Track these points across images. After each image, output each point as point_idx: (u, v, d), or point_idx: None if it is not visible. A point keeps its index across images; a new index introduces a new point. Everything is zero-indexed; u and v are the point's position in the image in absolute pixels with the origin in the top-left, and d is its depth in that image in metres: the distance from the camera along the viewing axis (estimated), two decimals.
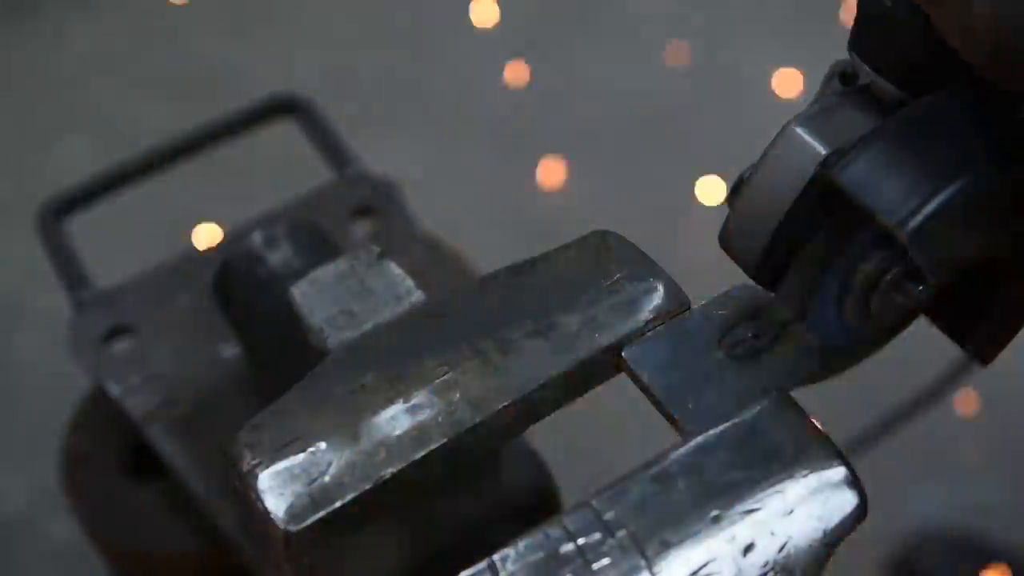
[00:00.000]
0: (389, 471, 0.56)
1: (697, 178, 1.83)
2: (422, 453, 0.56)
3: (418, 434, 0.57)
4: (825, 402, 0.63)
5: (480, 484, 0.75)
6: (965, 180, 0.54)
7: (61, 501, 0.97)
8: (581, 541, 0.52)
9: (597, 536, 0.53)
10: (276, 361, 0.84)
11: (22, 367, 1.73)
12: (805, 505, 0.54)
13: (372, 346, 0.61)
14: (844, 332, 0.60)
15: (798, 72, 1.93)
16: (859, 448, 1.28)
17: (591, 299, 0.61)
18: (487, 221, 1.82)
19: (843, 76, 0.61)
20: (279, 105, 1.09)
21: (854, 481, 0.55)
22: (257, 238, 0.88)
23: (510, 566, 0.52)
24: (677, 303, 0.61)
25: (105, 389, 0.94)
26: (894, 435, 1.34)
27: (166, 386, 0.94)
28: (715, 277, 0.63)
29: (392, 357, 0.60)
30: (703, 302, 0.61)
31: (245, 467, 0.56)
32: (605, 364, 0.60)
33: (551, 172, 1.92)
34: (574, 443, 0.66)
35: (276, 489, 0.55)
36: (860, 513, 0.54)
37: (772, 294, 0.61)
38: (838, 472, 0.55)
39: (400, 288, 0.66)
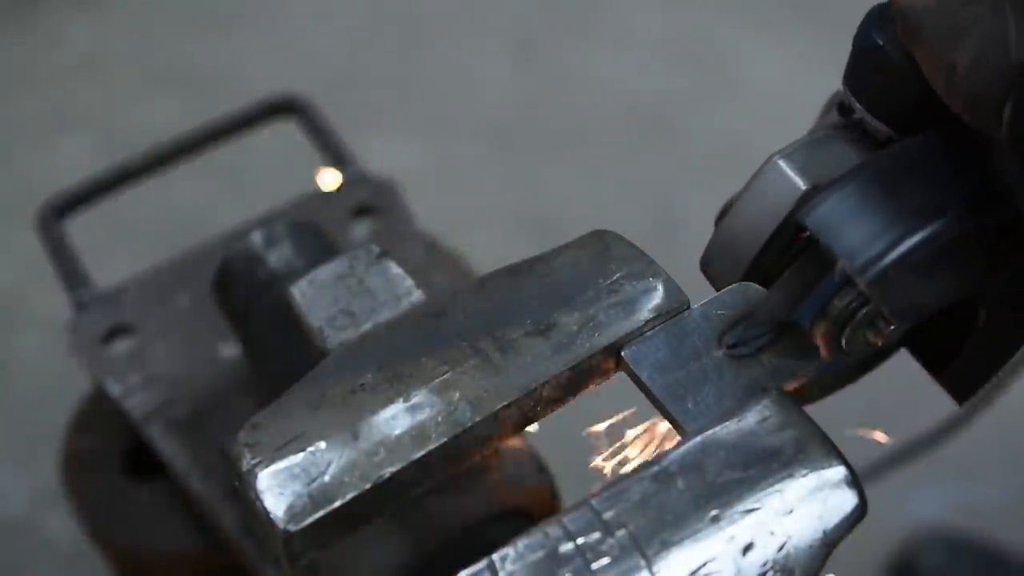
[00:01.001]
0: (389, 471, 0.56)
1: (696, 177, 1.83)
2: (422, 453, 0.56)
3: (418, 434, 0.57)
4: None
5: (480, 484, 0.75)
6: (932, 228, 0.53)
7: (61, 501, 0.97)
8: (581, 541, 0.52)
9: (597, 536, 0.53)
10: (276, 361, 0.84)
11: (22, 367, 1.73)
12: (805, 505, 0.54)
13: (372, 346, 0.61)
14: (817, 363, 0.60)
15: (798, 72, 1.94)
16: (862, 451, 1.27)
17: (591, 299, 0.61)
18: (487, 221, 1.82)
19: (840, 107, 0.61)
20: (279, 105, 1.09)
21: (853, 481, 0.55)
22: (257, 238, 0.88)
23: (509, 565, 0.52)
24: (677, 302, 0.61)
25: (105, 389, 0.94)
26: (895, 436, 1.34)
27: (166, 386, 0.94)
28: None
29: (392, 357, 0.60)
30: (703, 302, 0.61)
31: (245, 467, 0.56)
32: (605, 364, 0.60)
33: (551, 172, 1.92)
34: (574, 443, 0.65)
35: (275, 489, 0.55)
36: (860, 513, 0.54)
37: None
38: (838, 472, 0.55)
39: (400, 288, 0.66)
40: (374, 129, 1.78)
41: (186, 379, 0.94)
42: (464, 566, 0.52)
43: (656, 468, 0.55)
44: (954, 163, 0.55)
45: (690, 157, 1.91)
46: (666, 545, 0.52)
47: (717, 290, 0.61)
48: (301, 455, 0.56)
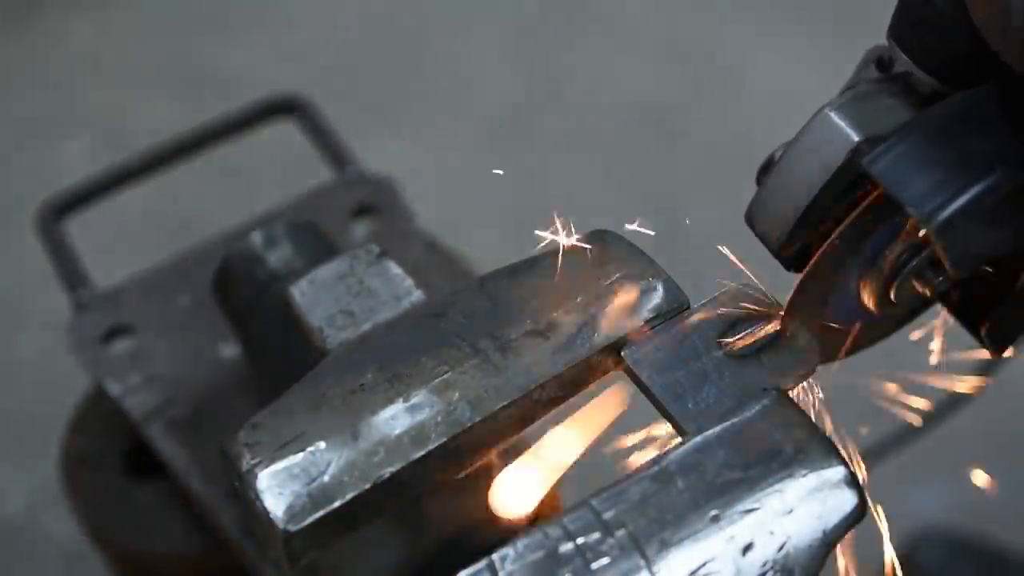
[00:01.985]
0: (388, 471, 0.56)
1: (697, 177, 1.83)
2: (421, 453, 0.56)
3: (417, 434, 0.57)
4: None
5: (479, 484, 0.75)
6: (994, 178, 0.54)
7: (61, 501, 0.97)
8: (580, 541, 0.52)
9: (596, 536, 0.53)
10: (276, 361, 0.84)
11: (22, 367, 1.73)
12: (804, 505, 0.54)
13: (372, 346, 0.61)
14: (860, 316, 0.60)
15: (799, 72, 1.93)
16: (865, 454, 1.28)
17: (591, 299, 0.61)
18: (487, 221, 1.82)
19: (879, 62, 0.61)
20: (279, 105, 1.09)
21: (853, 481, 0.55)
22: (257, 238, 0.88)
23: (509, 565, 0.52)
24: (676, 303, 0.61)
25: (105, 389, 0.94)
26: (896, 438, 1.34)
27: (166, 386, 0.94)
28: (715, 277, 0.63)
29: (392, 357, 0.60)
30: (702, 302, 0.61)
31: (245, 467, 0.56)
32: (605, 364, 0.60)
33: (551, 172, 1.92)
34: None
35: (275, 489, 0.55)
36: (859, 513, 0.54)
37: (770, 295, 0.61)
38: (837, 472, 0.55)
39: (400, 288, 0.66)
40: (374, 129, 1.77)
41: (186, 379, 0.94)
42: (464, 566, 0.52)
43: (656, 468, 0.55)
44: (1010, 116, 0.55)
45: (690, 157, 1.91)
46: (666, 545, 0.52)
47: (764, 244, 0.61)
48: (301, 455, 0.56)
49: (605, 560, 0.52)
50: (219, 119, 1.07)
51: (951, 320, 0.65)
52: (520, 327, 0.60)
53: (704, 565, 0.52)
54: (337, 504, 0.55)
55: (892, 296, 0.59)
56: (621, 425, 0.63)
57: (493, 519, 0.71)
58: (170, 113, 1.84)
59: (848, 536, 0.55)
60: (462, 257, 1.03)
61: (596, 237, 0.64)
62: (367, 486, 0.55)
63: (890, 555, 0.66)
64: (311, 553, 0.56)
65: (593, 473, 0.65)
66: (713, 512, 0.53)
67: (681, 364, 0.59)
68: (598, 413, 0.61)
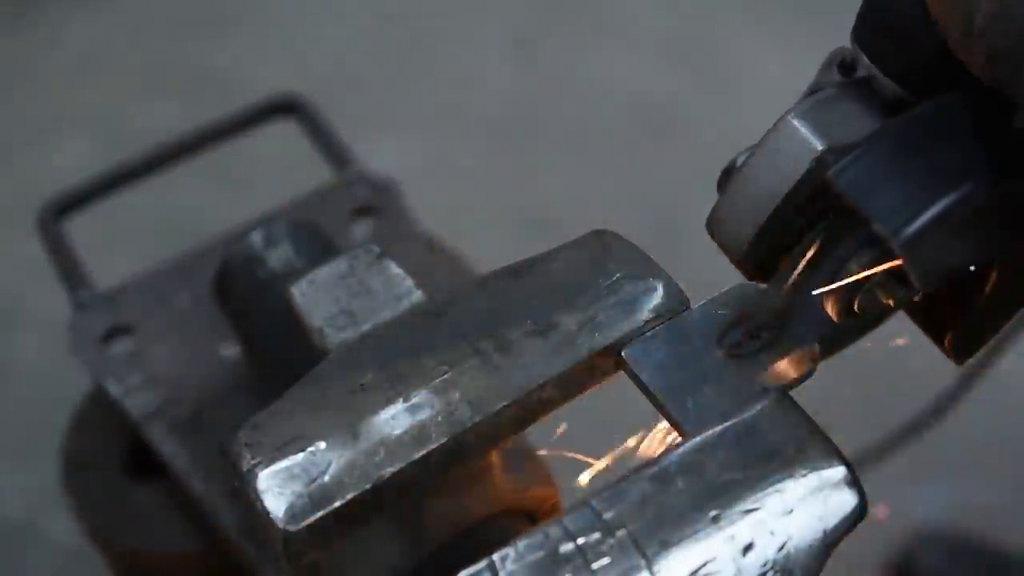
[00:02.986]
0: (389, 471, 0.56)
1: (697, 177, 1.83)
2: (422, 453, 0.57)
3: (418, 434, 0.57)
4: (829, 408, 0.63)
5: (480, 484, 0.75)
6: (960, 192, 0.53)
7: (61, 501, 0.97)
8: (581, 541, 0.52)
9: (597, 536, 0.53)
10: (276, 361, 0.84)
11: (22, 367, 1.73)
12: (805, 505, 0.54)
13: (372, 346, 0.61)
14: (824, 325, 0.60)
15: (799, 71, 1.93)
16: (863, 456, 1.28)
17: (591, 299, 0.61)
18: (487, 221, 1.82)
19: (842, 64, 0.60)
20: (279, 105, 1.09)
21: (854, 481, 0.55)
22: (257, 238, 0.88)
23: (510, 565, 0.52)
24: (677, 303, 0.61)
25: (105, 389, 0.94)
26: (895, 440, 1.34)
27: (166, 386, 0.93)
28: (715, 277, 0.63)
29: (392, 357, 0.60)
30: (703, 302, 0.61)
31: (245, 467, 0.56)
32: (605, 364, 0.60)
33: (551, 172, 1.92)
34: (574, 443, 0.66)
35: (275, 489, 0.55)
36: (860, 513, 0.54)
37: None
38: (838, 472, 0.55)
39: (400, 288, 0.66)
40: (374, 129, 1.77)
41: (186, 379, 0.94)
42: (464, 566, 0.52)
43: (656, 468, 0.55)
44: (976, 127, 0.55)
45: (690, 157, 1.91)
46: (666, 545, 0.52)
47: (725, 253, 0.60)
48: (301, 455, 0.56)
49: (605, 560, 0.52)
50: (219, 119, 1.07)
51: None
52: (520, 327, 0.60)
53: (704, 565, 0.52)
54: (337, 504, 0.55)
55: (856, 307, 0.58)
56: (621, 424, 0.63)
57: (493, 519, 0.71)
58: (170, 113, 1.84)
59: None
60: (462, 257, 1.03)
61: (596, 237, 0.64)
62: (367, 486, 0.55)
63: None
64: (311, 553, 0.56)
65: (593, 473, 0.65)
66: (713, 512, 0.53)
67: (681, 364, 0.59)
68: None
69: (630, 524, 0.53)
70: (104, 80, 2.04)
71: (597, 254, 0.63)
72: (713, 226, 0.60)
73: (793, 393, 0.58)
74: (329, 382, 0.59)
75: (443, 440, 0.57)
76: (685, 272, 0.64)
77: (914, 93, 0.57)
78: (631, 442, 0.64)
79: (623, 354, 0.59)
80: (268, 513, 0.55)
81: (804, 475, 0.54)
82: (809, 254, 0.58)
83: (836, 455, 0.55)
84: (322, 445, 0.56)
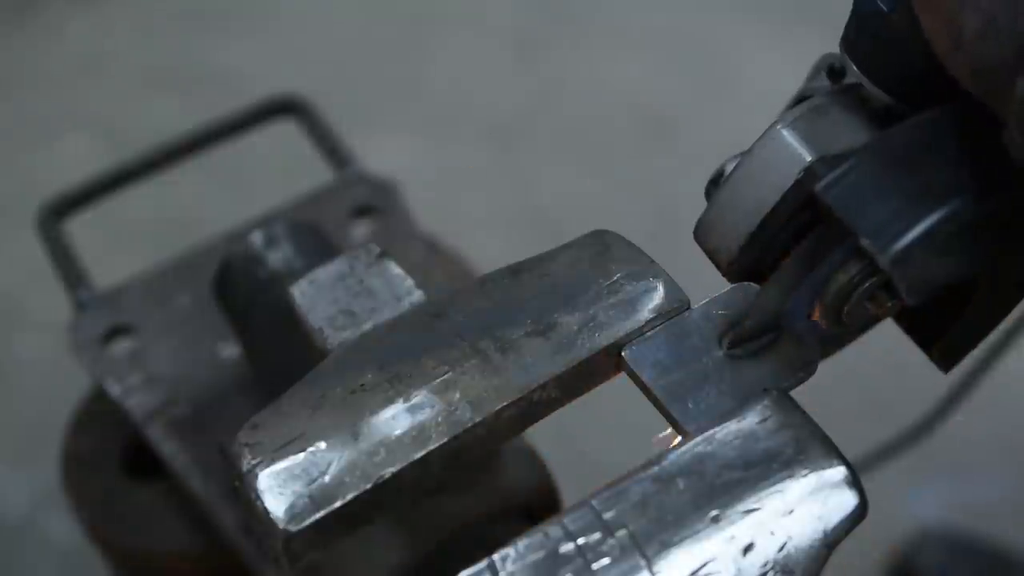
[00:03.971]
0: (389, 471, 0.56)
1: (697, 178, 1.83)
2: (422, 453, 0.56)
3: (418, 434, 0.57)
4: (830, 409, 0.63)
5: (480, 484, 0.75)
6: (949, 208, 0.53)
7: (61, 501, 0.97)
8: (581, 541, 0.52)
9: (597, 536, 0.53)
10: (276, 361, 0.84)
11: (22, 367, 1.73)
12: (805, 505, 0.54)
13: (372, 346, 0.61)
14: (811, 333, 0.60)
15: (799, 72, 1.93)
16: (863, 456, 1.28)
17: (591, 299, 0.61)
18: (487, 221, 1.82)
19: (831, 70, 0.60)
20: (279, 105, 1.09)
21: (854, 481, 0.55)
22: (257, 238, 0.88)
23: (510, 566, 0.52)
24: (677, 303, 0.61)
25: (105, 389, 0.94)
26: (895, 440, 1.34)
27: (166, 386, 0.94)
28: (715, 277, 0.63)
29: (392, 357, 0.60)
30: (703, 302, 0.61)
31: (245, 467, 0.56)
32: (605, 364, 0.60)
33: (551, 172, 1.92)
34: (574, 443, 0.66)
35: (276, 489, 0.55)
36: (860, 513, 0.54)
37: None
38: (838, 472, 0.55)
39: (400, 288, 0.66)
40: (374, 129, 1.77)
41: (186, 379, 0.94)
42: (464, 566, 0.52)
43: (656, 468, 0.55)
44: (965, 141, 0.54)
45: (691, 157, 1.91)
46: (666, 545, 0.52)
47: (713, 261, 0.60)
48: (301, 455, 0.56)
49: (606, 560, 0.52)
50: (219, 119, 1.07)
51: None
52: (520, 327, 0.60)
53: (704, 565, 0.52)
54: (338, 504, 0.55)
55: (844, 317, 0.58)
56: (621, 425, 0.63)
57: (493, 519, 0.71)
58: (170, 113, 1.84)
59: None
60: (462, 257, 1.03)
61: (596, 237, 0.64)
62: (368, 486, 0.55)
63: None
64: (312, 553, 0.56)
65: (593, 473, 0.65)
66: (713, 512, 0.53)
67: (681, 364, 0.59)
68: None
69: (630, 524, 0.53)
70: (105, 79, 2.04)
71: (597, 254, 0.63)
72: (701, 234, 0.60)
73: (793, 393, 0.58)
74: (329, 382, 0.59)
75: (443, 440, 0.57)
76: (685, 272, 0.64)
77: (904, 103, 0.57)
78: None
79: (623, 354, 0.59)
80: (268, 513, 0.55)
81: (804, 475, 0.54)
82: (796, 266, 0.58)
83: (836, 455, 0.55)
84: (322, 445, 0.56)
